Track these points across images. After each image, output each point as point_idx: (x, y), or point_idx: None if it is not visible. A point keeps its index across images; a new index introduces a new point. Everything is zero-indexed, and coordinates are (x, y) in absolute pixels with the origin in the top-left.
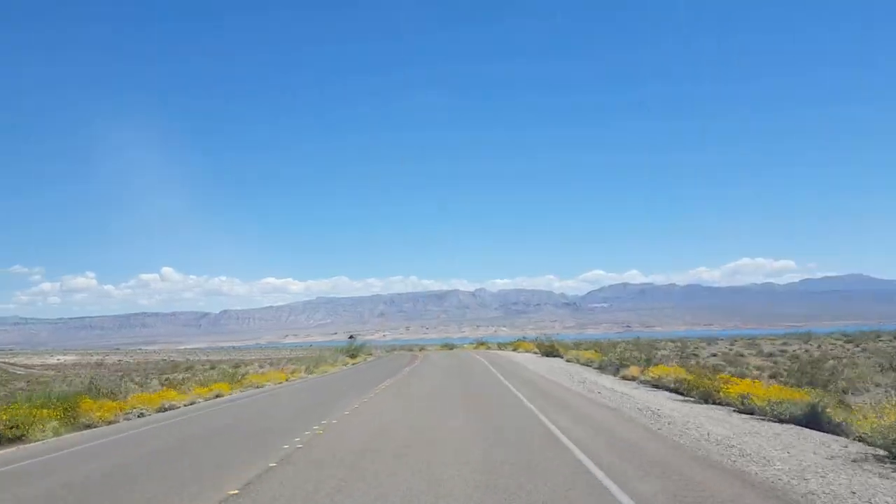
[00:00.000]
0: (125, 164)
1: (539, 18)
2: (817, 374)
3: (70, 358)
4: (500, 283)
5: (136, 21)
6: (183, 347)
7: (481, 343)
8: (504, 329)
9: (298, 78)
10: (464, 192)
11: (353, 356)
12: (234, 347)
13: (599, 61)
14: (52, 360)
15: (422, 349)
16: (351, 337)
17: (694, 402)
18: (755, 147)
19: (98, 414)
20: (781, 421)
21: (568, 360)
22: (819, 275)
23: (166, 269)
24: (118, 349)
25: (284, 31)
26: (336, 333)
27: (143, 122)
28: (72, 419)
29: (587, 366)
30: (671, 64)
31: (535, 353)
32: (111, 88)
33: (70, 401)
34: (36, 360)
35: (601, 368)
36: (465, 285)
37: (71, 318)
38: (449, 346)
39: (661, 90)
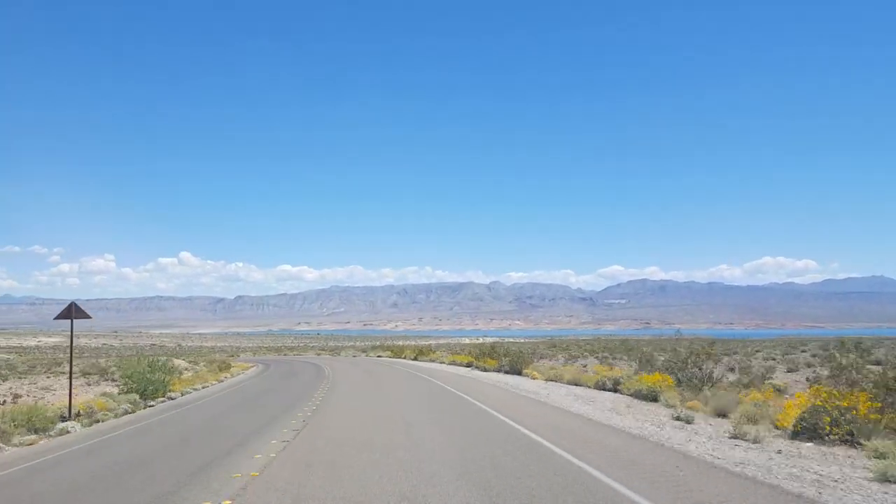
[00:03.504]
0: (148, 148)
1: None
2: None
3: (53, 340)
4: (516, 277)
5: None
6: (197, 332)
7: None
8: (518, 323)
9: (315, 68)
10: (482, 183)
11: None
12: (238, 334)
13: (625, 61)
14: (33, 343)
15: (403, 352)
16: None
17: None
18: (780, 146)
19: None
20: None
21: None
22: (841, 275)
23: (184, 254)
24: (116, 333)
25: (302, 24)
26: (349, 322)
27: (165, 107)
28: None
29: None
30: (694, 60)
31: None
32: (133, 72)
33: None
34: (13, 342)
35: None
36: (479, 277)
37: (88, 300)
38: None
39: (679, 88)
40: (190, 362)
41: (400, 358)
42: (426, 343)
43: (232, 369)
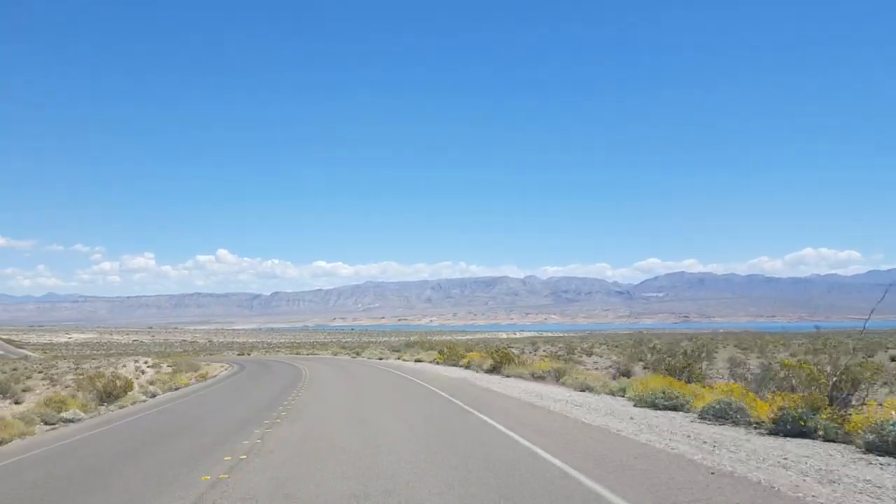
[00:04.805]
0: (185, 148)
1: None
2: None
3: (85, 336)
4: (551, 270)
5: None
6: (232, 329)
7: None
8: (554, 317)
9: (343, 65)
10: (515, 177)
11: None
12: (273, 329)
13: (640, 60)
14: (62, 339)
15: (460, 355)
16: None
17: None
18: (820, 135)
19: None
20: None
21: None
22: (885, 266)
23: (222, 251)
24: (149, 329)
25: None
26: (383, 318)
27: (200, 107)
28: None
29: None
30: (725, 56)
31: None
32: (171, 72)
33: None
34: (44, 339)
35: None
36: (514, 272)
37: (128, 297)
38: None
39: (715, 81)
40: (171, 366)
41: (459, 365)
42: (480, 337)
43: (164, 385)
